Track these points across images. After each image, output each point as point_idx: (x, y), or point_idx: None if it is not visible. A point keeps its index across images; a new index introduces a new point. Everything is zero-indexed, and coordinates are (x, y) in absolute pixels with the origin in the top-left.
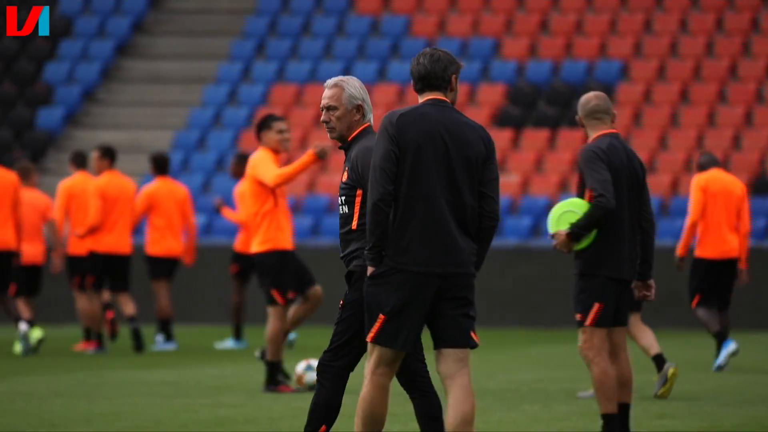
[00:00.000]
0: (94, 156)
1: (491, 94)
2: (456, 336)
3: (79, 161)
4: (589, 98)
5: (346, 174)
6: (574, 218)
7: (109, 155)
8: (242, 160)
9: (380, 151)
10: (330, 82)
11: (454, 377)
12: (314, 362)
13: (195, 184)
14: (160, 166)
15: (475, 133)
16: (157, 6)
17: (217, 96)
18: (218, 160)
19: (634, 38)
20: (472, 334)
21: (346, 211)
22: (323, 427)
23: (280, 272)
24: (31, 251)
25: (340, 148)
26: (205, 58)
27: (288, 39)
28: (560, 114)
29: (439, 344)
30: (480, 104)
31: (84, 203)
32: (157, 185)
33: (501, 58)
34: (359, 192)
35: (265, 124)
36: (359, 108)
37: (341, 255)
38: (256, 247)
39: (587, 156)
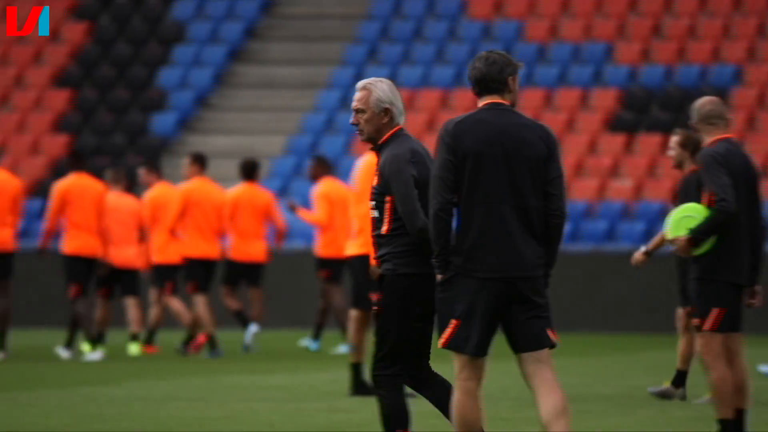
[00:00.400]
0: (185, 162)
1: (604, 99)
2: (529, 339)
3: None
4: (704, 103)
5: (376, 178)
6: (692, 223)
7: (199, 161)
8: (321, 162)
9: (438, 161)
10: (359, 84)
11: (535, 376)
12: None
13: (307, 189)
14: (247, 171)
15: (534, 133)
16: (270, 11)
17: (330, 101)
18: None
19: (748, 42)
20: (549, 333)
21: (377, 215)
22: None
23: None
24: (124, 256)
25: (371, 149)
26: (317, 64)
27: (400, 44)
28: (674, 119)
29: (516, 349)
30: (593, 109)
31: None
32: (240, 191)
33: (614, 62)
34: (389, 198)
35: None
36: (387, 111)
37: (374, 257)
38: (358, 249)
39: (706, 161)
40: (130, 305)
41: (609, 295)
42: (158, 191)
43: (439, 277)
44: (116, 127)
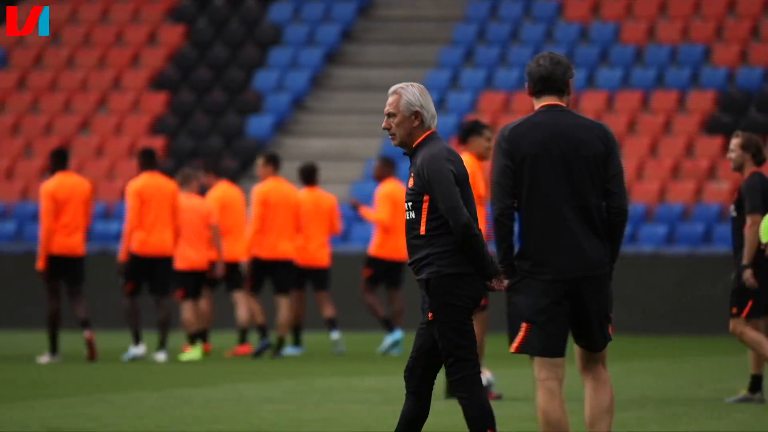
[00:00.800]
0: (258, 163)
1: (701, 101)
2: (591, 338)
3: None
4: None
5: (412, 180)
6: None
7: (272, 162)
8: (385, 163)
9: (497, 167)
10: (391, 89)
11: (590, 371)
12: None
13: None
14: (307, 176)
15: (591, 133)
16: (367, 14)
17: None
18: None
19: None
20: (608, 329)
21: (413, 216)
22: (490, 431)
23: None
24: (196, 257)
25: (404, 154)
26: (413, 66)
27: (496, 46)
28: None
29: (577, 343)
30: (690, 111)
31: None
32: (303, 196)
33: (711, 64)
34: (426, 197)
35: (476, 130)
36: (417, 114)
37: (409, 261)
38: None
39: None
40: (191, 307)
41: (704, 298)
42: (221, 191)
43: (506, 282)
44: (212, 130)
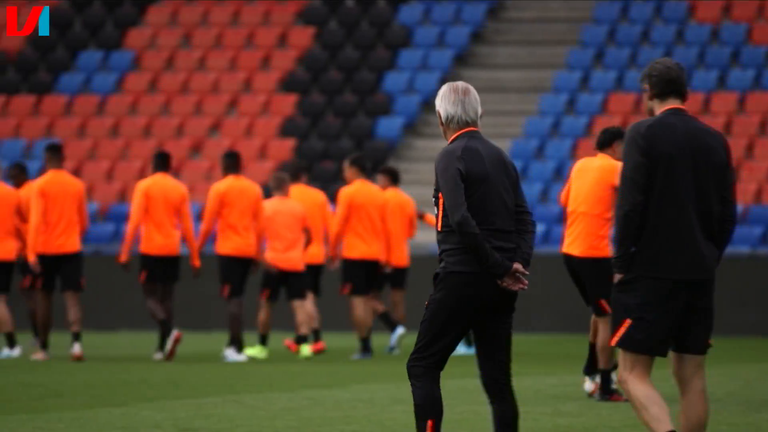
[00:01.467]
0: (345, 165)
1: None
2: (696, 342)
3: (394, 176)
4: None
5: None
6: None
7: (357, 164)
8: None
9: (631, 163)
10: None
11: (690, 382)
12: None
13: (533, 192)
14: (394, 177)
15: (716, 140)
16: (496, 15)
17: (555, 105)
18: (556, 169)
19: None
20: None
21: (436, 213)
22: (430, 422)
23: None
24: (290, 259)
25: None
26: (541, 67)
27: (626, 48)
28: None
29: (680, 348)
30: None
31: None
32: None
33: None
34: (441, 195)
35: (620, 135)
36: (439, 116)
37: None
38: (597, 251)
39: None
40: (297, 307)
41: None
42: (297, 193)
43: (617, 276)
44: (343, 132)
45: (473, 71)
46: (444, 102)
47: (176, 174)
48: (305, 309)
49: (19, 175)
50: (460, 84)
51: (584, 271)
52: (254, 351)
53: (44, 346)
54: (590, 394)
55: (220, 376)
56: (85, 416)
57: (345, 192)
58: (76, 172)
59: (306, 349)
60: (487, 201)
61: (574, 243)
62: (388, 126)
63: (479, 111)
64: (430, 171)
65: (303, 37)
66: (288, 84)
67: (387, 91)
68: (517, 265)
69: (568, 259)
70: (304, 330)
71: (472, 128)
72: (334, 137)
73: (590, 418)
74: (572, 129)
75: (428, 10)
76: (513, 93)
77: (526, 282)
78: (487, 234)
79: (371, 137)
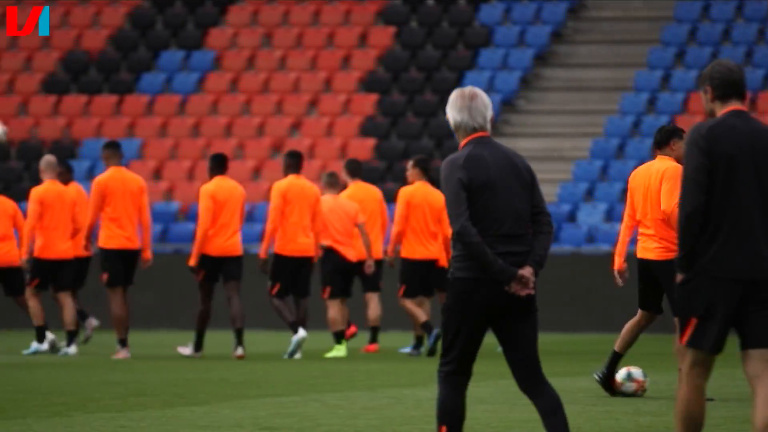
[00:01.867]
0: (408, 165)
1: None
2: (762, 337)
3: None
4: None
5: None
6: None
7: (420, 166)
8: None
9: (692, 164)
10: None
11: (761, 377)
12: (634, 370)
13: (614, 191)
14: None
15: None
16: (577, 15)
17: (635, 104)
18: (637, 168)
19: None
20: None
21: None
22: (443, 428)
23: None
24: (347, 255)
25: None
26: (622, 66)
27: (708, 47)
28: None
29: (745, 345)
30: None
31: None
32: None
33: None
34: None
35: (677, 134)
36: (449, 122)
37: None
38: (663, 253)
39: None
40: (370, 300)
41: None
42: (353, 190)
43: (679, 276)
44: (423, 132)
45: (553, 71)
46: (451, 109)
47: (256, 174)
48: (375, 303)
49: (64, 174)
50: (468, 89)
51: (664, 275)
52: (333, 352)
53: (124, 343)
54: (634, 392)
55: (301, 375)
56: (167, 415)
57: (404, 191)
58: (157, 172)
59: (341, 349)
60: (493, 207)
61: (650, 248)
62: None
63: (488, 115)
64: None
65: (383, 36)
66: (368, 84)
67: None
68: (523, 271)
69: (645, 263)
70: (373, 323)
71: (480, 134)
72: (414, 137)
73: (672, 418)
74: (653, 128)
75: (509, 10)
76: (593, 92)
77: (533, 287)
78: (493, 240)
79: (451, 137)
